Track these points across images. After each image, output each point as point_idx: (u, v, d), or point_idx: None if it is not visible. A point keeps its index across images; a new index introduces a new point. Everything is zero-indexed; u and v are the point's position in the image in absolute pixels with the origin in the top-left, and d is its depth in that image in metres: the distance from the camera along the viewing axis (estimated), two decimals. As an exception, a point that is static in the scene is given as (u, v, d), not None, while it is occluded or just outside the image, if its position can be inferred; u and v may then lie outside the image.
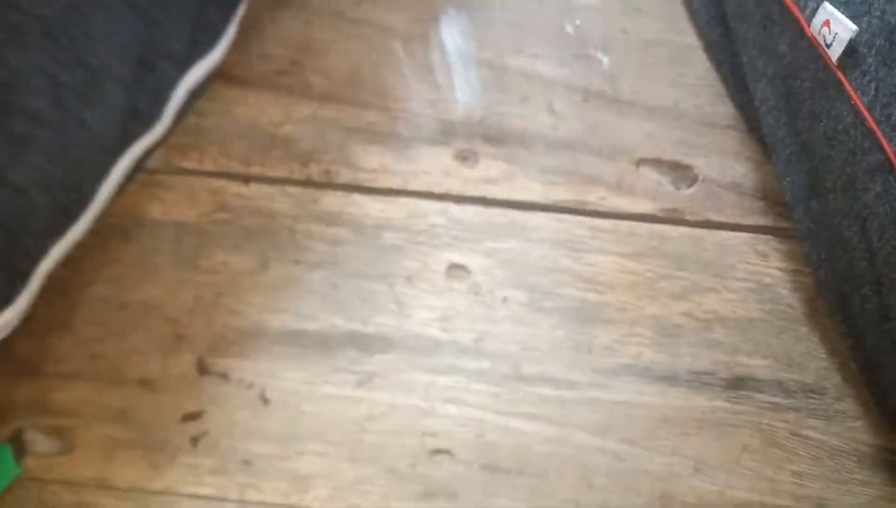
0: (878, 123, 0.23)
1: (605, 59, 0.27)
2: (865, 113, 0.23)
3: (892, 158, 0.23)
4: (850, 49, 0.23)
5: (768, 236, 0.28)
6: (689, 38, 0.28)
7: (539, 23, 0.29)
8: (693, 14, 0.29)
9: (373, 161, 0.27)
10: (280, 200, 0.27)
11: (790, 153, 0.26)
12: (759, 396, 0.28)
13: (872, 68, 0.23)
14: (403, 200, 0.27)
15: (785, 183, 0.27)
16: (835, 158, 0.25)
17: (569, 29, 0.28)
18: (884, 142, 0.23)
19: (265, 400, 0.27)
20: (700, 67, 0.28)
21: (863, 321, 0.27)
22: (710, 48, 0.28)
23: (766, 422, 0.28)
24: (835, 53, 0.23)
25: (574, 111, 0.28)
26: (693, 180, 0.28)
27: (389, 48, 0.29)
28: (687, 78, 0.28)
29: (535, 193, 0.28)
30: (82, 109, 0.23)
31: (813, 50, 0.24)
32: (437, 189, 0.28)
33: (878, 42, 0.23)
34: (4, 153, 0.22)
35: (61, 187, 0.25)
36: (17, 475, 0.27)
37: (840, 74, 0.23)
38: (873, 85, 0.23)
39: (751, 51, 0.25)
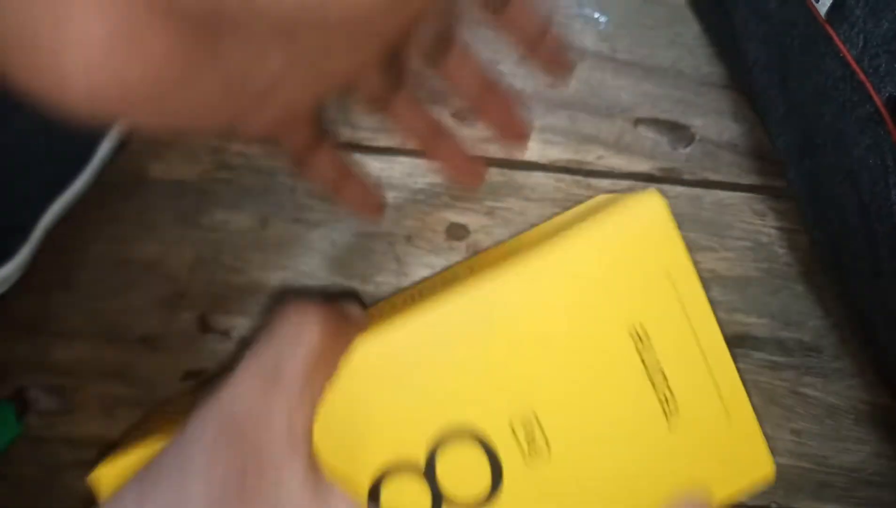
0: (867, 74, 0.25)
1: (603, 19, 0.29)
2: (854, 65, 0.25)
3: (882, 109, 0.25)
4: (839, 2, 0.25)
5: (765, 196, 0.29)
6: None
7: (537, -13, 0.30)
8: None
9: (372, 120, 0.29)
10: (281, 159, 0.29)
11: (782, 113, 0.28)
12: (757, 354, 0.29)
13: (860, 20, 0.24)
14: (402, 159, 0.29)
15: (778, 143, 0.28)
16: (825, 113, 0.26)
17: (566, -8, 0.30)
18: (873, 94, 0.25)
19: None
20: (697, 27, 0.29)
21: (856, 278, 0.28)
22: (702, 12, 0.29)
23: (765, 380, 0.29)
24: (823, 7, 0.25)
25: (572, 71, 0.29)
26: (690, 140, 0.29)
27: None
28: (684, 38, 0.29)
29: (533, 152, 0.29)
30: None
31: (802, 6, 0.25)
32: (436, 150, 0.29)
33: (866, -6, 0.24)
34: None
35: (62, 139, 0.26)
36: (17, 434, 0.28)
37: (829, 28, 0.25)
38: (861, 37, 0.25)
39: (742, 11, 0.27)
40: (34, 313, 0.28)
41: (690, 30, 0.29)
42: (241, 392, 0.20)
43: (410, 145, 0.27)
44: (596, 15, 0.29)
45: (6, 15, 0.15)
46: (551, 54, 0.26)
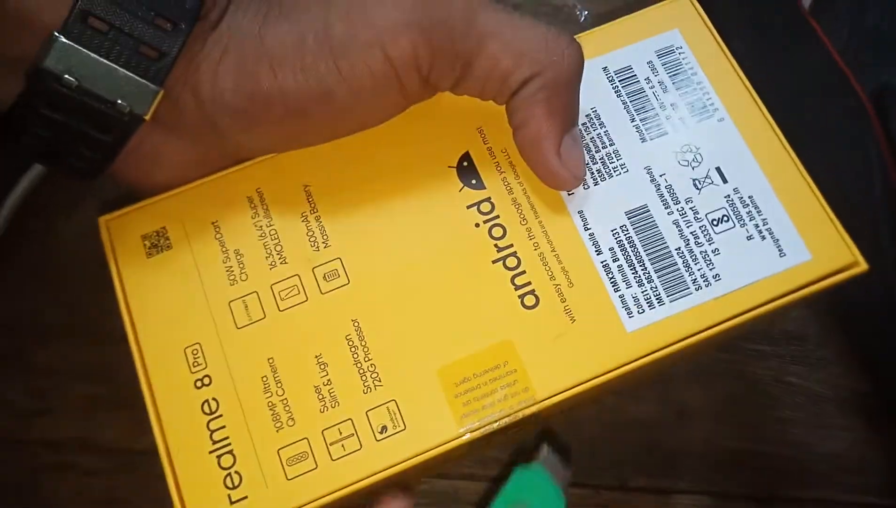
0: (850, 67, 0.26)
1: (586, 10, 0.30)
2: (837, 58, 0.27)
3: (865, 102, 0.27)
4: (823, -6, 0.26)
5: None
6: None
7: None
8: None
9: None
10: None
11: (765, 103, 0.29)
12: (743, 344, 0.32)
13: (844, 13, 0.26)
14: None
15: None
16: (809, 105, 0.28)
17: (551, -21, 0.31)
18: (856, 86, 0.27)
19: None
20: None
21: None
22: None
23: (751, 370, 0.31)
24: (807, 0, 0.26)
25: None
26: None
27: None
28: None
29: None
30: None
31: (786, -3, 0.27)
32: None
33: (849, -14, 0.26)
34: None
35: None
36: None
37: (813, 21, 0.27)
38: (845, 30, 0.27)
39: (724, 1, 0.28)
40: (9, 312, 0.30)
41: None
42: None
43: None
44: (578, 10, 0.30)
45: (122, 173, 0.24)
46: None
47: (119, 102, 0.21)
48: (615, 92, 0.25)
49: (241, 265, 0.24)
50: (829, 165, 0.28)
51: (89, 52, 0.20)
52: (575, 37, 0.24)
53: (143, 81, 0.20)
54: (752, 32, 0.28)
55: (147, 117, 0.21)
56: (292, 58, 0.21)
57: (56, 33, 0.19)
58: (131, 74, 0.20)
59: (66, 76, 0.20)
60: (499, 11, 0.22)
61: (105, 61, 0.20)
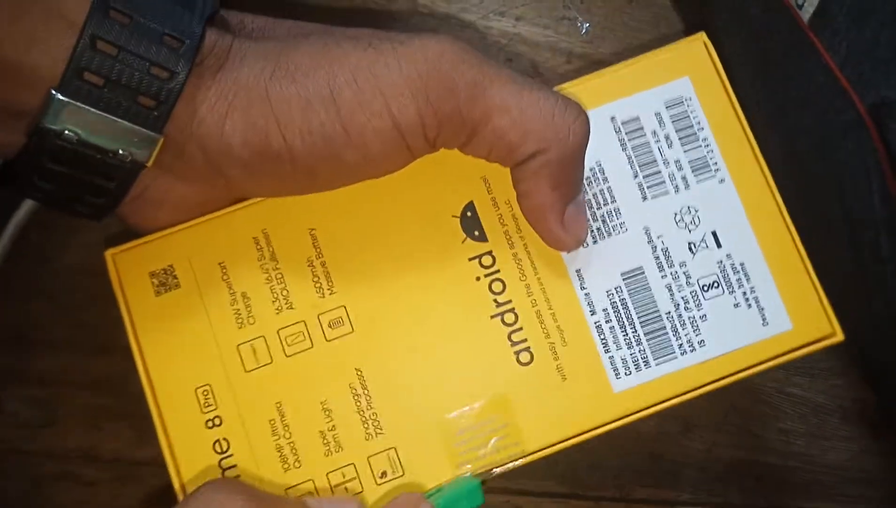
0: (849, 81, 0.27)
1: (587, 23, 0.31)
2: (837, 73, 0.27)
3: (865, 116, 0.27)
4: (822, 9, 0.27)
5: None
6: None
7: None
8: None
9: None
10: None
11: (765, 118, 0.30)
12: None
13: (843, 27, 0.27)
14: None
15: (761, 148, 0.31)
16: (808, 119, 0.29)
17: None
18: (856, 100, 0.27)
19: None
20: (682, 28, 0.31)
21: (840, 281, 0.31)
22: (686, 15, 0.32)
23: (753, 381, 0.32)
24: (806, 14, 0.27)
25: (558, 74, 0.32)
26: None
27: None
28: (669, 40, 0.31)
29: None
30: None
31: (785, 12, 0.28)
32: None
33: (848, 1, 0.27)
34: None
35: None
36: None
37: (811, 35, 0.27)
38: (844, 44, 0.27)
39: (723, 16, 0.29)
40: (14, 323, 0.30)
41: (675, 32, 0.32)
42: None
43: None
44: (581, 18, 0.31)
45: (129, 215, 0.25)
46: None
47: (120, 151, 0.21)
48: (621, 145, 0.26)
49: (249, 309, 0.25)
50: (830, 179, 0.28)
51: (88, 107, 0.20)
52: (586, 78, 0.25)
53: (143, 130, 0.21)
54: (750, 44, 0.29)
55: (149, 164, 0.22)
56: (300, 121, 0.21)
57: (53, 91, 0.20)
58: (131, 125, 0.21)
59: (67, 132, 0.21)
60: (507, 83, 0.22)
61: (104, 114, 0.21)
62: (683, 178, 0.26)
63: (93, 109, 0.20)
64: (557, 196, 0.24)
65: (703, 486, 0.31)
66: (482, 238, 0.25)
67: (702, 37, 0.27)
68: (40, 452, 0.30)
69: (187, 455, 0.24)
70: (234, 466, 0.24)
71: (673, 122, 0.26)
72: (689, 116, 0.26)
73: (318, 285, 0.25)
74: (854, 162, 0.28)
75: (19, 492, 0.31)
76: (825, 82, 0.27)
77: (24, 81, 0.20)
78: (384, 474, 0.24)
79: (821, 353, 0.32)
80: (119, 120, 0.21)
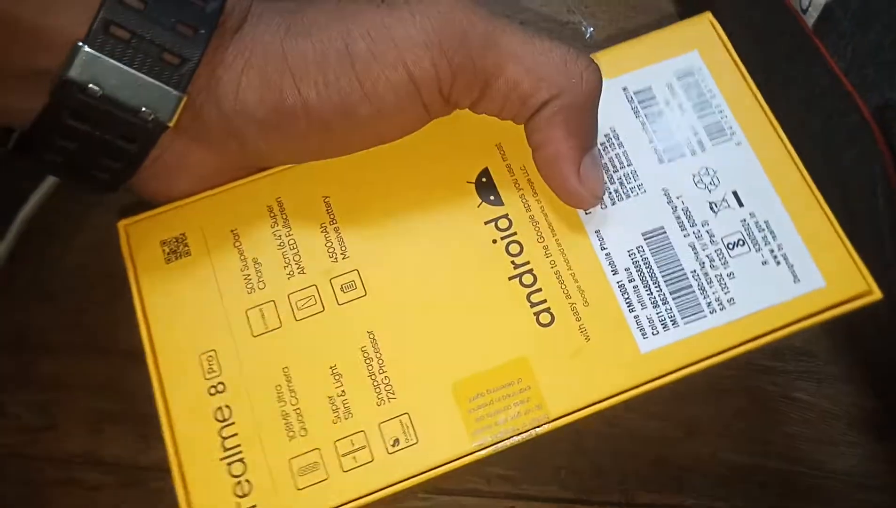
0: (854, 85, 0.27)
1: (591, 28, 0.31)
2: (842, 76, 0.28)
3: (870, 119, 0.28)
4: (826, 13, 0.27)
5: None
6: (672, 5, 0.33)
7: (527, -11, 0.33)
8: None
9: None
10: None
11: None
12: (751, 359, 0.32)
13: (848, 32, 0.27)
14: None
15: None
16: (813, 123, 0.29)
17: (557, -5, 0.32)
18: (860, 104, 0.28)
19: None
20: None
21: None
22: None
23: (759, 385, 0.32)
24: (811, 18, 0.27)
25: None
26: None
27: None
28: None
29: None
30: None
31: (789, 16, 0.28)
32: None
33: (852, 5, 0.27)
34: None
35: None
36: None
37: (816, 40, 0.28)
38: (849, 48, 0.28)
39: (727, 20, 0.29)
40: (14, 326, 0.31)
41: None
42: None
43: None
44: (585, 21, 0.31)
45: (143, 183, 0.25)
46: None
47: (143, 109, 0.21)
48: (634, 112, 0.26)
49: (259, 274, 0.25)
50: (835, 182, 0.29)
51: (113, 61, 0.21)
52: (597, 55, 0.25)
53: (167, 87, 0.21)
54: (755, 48, 0.29)
55: (171, 124, 0.22)
56: (315, 73, 0.22)
57: (80, 43, 0.20)
58: (155, 81, 0.21)
59: (91, 85, 0.21)
60: (518, 34, 0.23)
61: (129, 69, 0.21)
62: (699, 142, 0.26)
63: (117, 63, 0.21)
64: (573, 144, 0.23)
65: (707, 491, 0.31)
66: (498, 202, 0.25)
67: (707, 16, 0.27)
68: (42, 456, 0.30)
69: (186, 422, 0.24)
70: (235, 435, 0.24)
71: (685, 91, 0.26)
72: (699, 86, 0.26)
73: (330, 250, 0.25)
74: (859, 165, 0.28)
75: (21, 497, 0.31)
76: (829, 86, 0.28)
77: (45, 39, 0.20)
78: (396, 441, 0.23)
79: (826, 358, 0.33)
80: (144, 76, 0.21)
